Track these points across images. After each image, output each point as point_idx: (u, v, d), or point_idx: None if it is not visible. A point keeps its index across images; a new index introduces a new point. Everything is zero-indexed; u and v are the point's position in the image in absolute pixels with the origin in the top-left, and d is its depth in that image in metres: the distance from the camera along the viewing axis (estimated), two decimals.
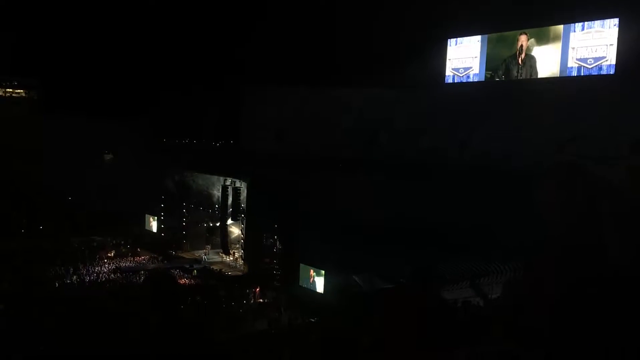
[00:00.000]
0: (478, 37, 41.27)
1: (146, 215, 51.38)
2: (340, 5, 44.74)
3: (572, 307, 3.37)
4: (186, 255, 47.05)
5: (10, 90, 64.48)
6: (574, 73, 35.76)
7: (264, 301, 34.38)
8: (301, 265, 34.75)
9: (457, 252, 28.84)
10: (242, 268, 42.47)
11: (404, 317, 6.18)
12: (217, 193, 47.16)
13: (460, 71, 42.36)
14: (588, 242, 3.59)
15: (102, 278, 38.39)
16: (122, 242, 48.54)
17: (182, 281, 37.75)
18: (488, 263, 29.62)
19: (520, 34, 38.45)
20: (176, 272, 39.65)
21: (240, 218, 44.18)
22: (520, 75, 38.61)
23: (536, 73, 37.78)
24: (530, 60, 38.11)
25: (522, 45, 38.49)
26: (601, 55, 34.29)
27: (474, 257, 29.83)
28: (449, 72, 42.96)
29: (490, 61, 40.66)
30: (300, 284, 34.66)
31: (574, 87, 34.54)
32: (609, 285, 3.46)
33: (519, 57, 38.64)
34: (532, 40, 38.07)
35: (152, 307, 5.22)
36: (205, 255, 46.05)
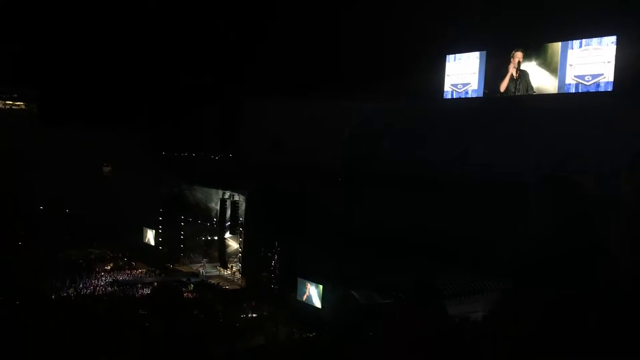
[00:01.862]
0: (477, 54, 41.50)
1: (144, 227, 51.25)
2: (341, 18, 45.13)
3: (568, 317, 3.38)
4: (183, 268, 46.85)
5: (10, 102, 64.66)
6: (572, 90, 35.92)
7: (262, 314, 34.17)
8: (299, 279, 34.63)
9: (456, 267, 28.76)
10: (239, 282, 42.31)
11: (402, 333, 6.16)
12: (215, 206, 47.08)
13: (458, 87, 42.54)
14: (580, 250, 3.60)
15: (99, 291, 38.24)
16: (120, 255, 48.33)
17: None
18: (487, 278, 29.48)
19: (517, 50, 38.67)
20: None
21: (239, 231, 44.10)
22: (518, 92, 38.77)
23: (532, 88, 37.97)
24: (525, 76, 38.29)
25: (518, 62, 38.71)
26: (599, 73, 34.49)
27: (473, 271, 29.71)
28: (447, 87, 43.12)
29: (488, 77, 40.83)
30: (297, 298, 34.50)
31: (572, 103, 34.67)
32: (608, 292, 3.47)
33: (515, 73, 38.83)
34: (529, 56, 38.31)
35: (156, 319, 5.23)
36: (203, 268, 45.85)
